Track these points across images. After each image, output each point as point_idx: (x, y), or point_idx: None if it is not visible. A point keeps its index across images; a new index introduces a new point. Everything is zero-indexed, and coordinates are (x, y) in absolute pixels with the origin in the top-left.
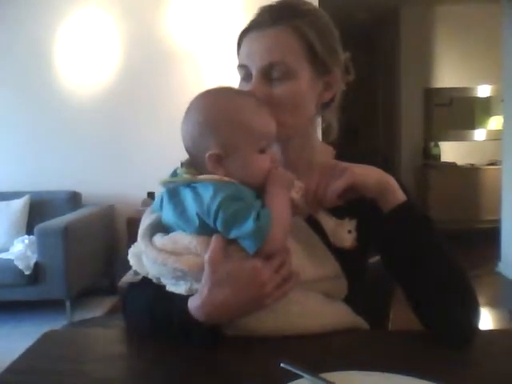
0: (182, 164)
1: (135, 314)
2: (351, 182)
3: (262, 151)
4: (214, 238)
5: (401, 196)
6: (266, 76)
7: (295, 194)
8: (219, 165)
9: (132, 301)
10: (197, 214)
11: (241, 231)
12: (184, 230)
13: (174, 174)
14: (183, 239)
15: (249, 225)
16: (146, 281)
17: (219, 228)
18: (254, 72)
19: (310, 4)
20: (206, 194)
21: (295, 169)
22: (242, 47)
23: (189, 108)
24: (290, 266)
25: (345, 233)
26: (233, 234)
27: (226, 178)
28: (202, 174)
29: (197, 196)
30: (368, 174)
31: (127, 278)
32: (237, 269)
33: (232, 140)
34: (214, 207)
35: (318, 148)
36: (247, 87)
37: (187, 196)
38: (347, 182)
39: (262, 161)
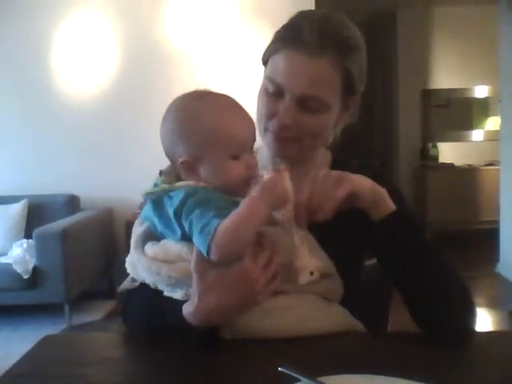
0: (160, 172)
1: (134, 319)
2: (350, 191)
3: (236, 158)
4: (195, 245)
5: (391, 204)
6: (299, 103)
7: (279, 216)
8: (193, 171)
9: (131, 306)
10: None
11: (194, 237)
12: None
13: (156, 184)
14: (174, 247)
15: (196, 231)
16: (143, 286)
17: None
18: (288, 95)
19: (355, 32)
20: (177, 200)
21: (295, 179)
22: (277, 59)
23: (164, 113)
24: (277, 261)
25: (307, 272)
26: (193, 239)
27: (201, 184)
28: (180, 179)
29: (172, 204)
30: (362, 183)
31: (125, 285)
32: (225, 272)
33: (200, 147)
34: (182, 213)
35: (318, 156)
36: (274, 105)
37: (168, 205)
38: (348, 189)
39: (235, 168)
